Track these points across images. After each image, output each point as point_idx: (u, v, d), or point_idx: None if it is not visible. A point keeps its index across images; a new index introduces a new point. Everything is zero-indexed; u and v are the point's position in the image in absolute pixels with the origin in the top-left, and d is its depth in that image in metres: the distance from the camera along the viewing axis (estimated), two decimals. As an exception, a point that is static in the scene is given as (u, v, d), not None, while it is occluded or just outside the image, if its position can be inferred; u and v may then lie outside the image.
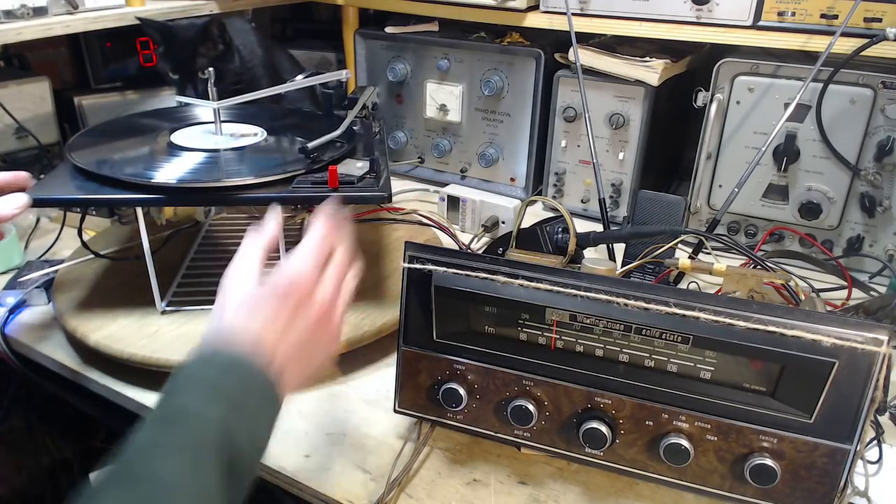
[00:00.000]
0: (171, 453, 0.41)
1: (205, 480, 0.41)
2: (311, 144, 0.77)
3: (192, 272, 0.88)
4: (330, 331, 0.55)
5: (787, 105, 0.90)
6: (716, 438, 0.55)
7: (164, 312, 0.79)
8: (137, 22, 1.05)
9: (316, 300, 0.53)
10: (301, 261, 0.54)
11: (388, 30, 1.21)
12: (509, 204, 1.07)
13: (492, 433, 0.62)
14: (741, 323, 0.52)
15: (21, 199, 0.68)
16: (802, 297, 0.72)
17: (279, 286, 0.52)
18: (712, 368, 0.54)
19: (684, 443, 0.55)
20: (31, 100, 1.13)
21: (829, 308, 0.85)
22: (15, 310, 0.85)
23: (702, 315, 0.52)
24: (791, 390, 0.52)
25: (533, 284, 0.57)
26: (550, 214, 0.97)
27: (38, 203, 0.74)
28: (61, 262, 0.91)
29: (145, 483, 0.39)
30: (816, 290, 0.87)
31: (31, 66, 1.20)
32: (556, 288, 0.56)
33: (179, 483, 0.40)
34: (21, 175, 0.71)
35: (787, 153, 0.95)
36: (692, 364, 0.54)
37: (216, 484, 0.41)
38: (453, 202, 1.11)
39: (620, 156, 1.08)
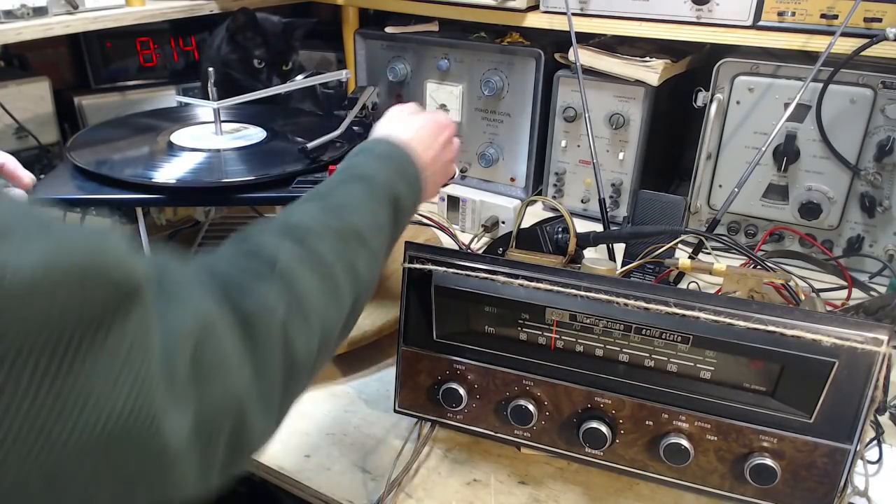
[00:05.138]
0: (355, 188, 0.53)
1: (378, 211, 0.53)
2: (310, 144, 0.77)
3: (192, 272, 0.88)
4: (448, 169, 0.70)
5: (787, 105, 0.90)
6: (716, 438, 0.55)
7: (164, 312, 0.79)
8: (137, 22, 1.06)
9: (454, 143, 0.70)
10: (444, 114, 0.75)
11: (388, 30, 1.21)
12: (509, 204, 1.07)
13: (492, 433, 0.63)
14: (741, 323, 0.52)
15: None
16: (802, 297, 0.72)
17: (440, 121, 0.68)
18: (712, 368, 0.54)
19: (684, 443, 0.55)
20: (31, 100, 1.13)
21: (829, 308, 0.85)
22: (15, 310, 0.85)
23: (702, 315, 0.52)
24: (791, 390, 0.52)
25: (533, 284, 0.57)
26: (550, 214, 0.97)
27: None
28: (61, 262, 0.91)
29: (333, 199, 0.52)
30: (816, 290, 0.87)
31: (31, 66, 1.19)
32: (556, 288, 0.56)
33: (359, 206, 0.52)
34: (24, 177, 0.72)
35: (787, 153, 0.95)
36: (692, 364, 0.54)
37: (386, 220, 0.54)
38: (453, 202, 1.11)
39: (620, 156, 1.08)
